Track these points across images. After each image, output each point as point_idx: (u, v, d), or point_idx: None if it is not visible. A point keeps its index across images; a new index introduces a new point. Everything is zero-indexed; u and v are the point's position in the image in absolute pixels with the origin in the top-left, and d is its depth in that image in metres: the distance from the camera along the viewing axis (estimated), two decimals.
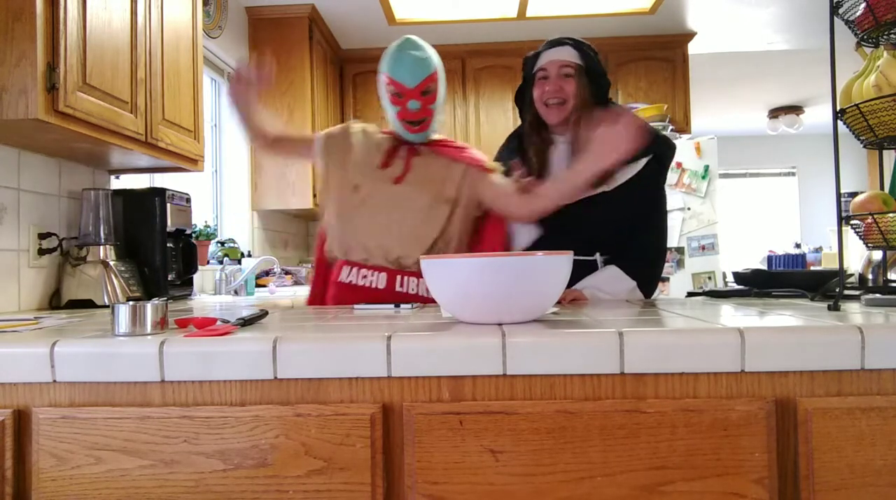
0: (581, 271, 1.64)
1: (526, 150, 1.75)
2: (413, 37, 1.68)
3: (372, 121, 4.78)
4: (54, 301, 1.88)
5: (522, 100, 1.78)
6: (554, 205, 1.57)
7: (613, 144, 1.39)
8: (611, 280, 1.62)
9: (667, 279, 3.99)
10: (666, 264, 1.81)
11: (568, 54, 1.66)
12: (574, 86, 1.65)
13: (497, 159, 1.81)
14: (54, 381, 0.93)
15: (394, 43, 1.67)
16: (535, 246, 1.68)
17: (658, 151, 1.66)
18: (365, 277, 1.66)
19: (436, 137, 1.77)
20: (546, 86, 1.66)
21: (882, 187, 1.35)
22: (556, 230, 1.66)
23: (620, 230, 1.66)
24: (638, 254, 1.66)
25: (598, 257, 1.67)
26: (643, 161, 1.64)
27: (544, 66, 1.68)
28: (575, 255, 1.63)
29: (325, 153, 1.76)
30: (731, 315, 1.10)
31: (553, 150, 1.73)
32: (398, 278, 1.65)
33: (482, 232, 1.75)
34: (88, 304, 1.84)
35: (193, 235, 2.48)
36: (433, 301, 1.55)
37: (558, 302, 1.50)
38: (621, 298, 1.62)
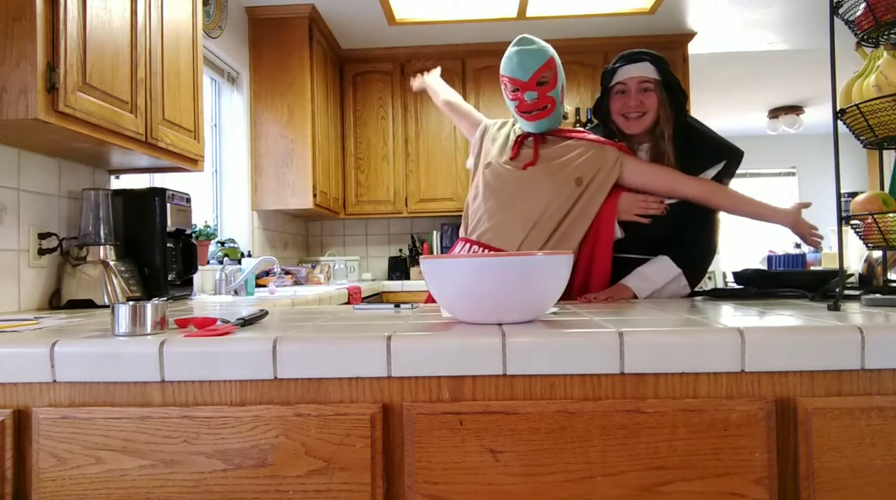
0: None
1: None
2: (526, 35, 1.75)
3: (371, 120, 4.77)
4: (54, 301, 1.88)
5: (599, 110, 1.83)
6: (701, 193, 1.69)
7: (807, 233, 1.72)
8: (656, 269, 1.67)
9: None
10: None
11: (647, 70, 1.71)
12: (654, 99, 1.70)
13: None
14: (54, 381, 0.93)
15: None
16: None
17: (729, 160, 1.73)
18: (474, 252, 1.71)
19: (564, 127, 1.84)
20: (625, 100, 1.71)
21: (882, 187, 1.35)
22: (631, 231, 1.72)
23: (685, 231, 1.71)
24: (689, 245, 1.71)
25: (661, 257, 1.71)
26: (714, 171, 1.72)
27: (623, 81, 1.72)
28: (640, 254, 1.70)
29: (481, 140, 1.90)
30: (731, 315, 1.10)
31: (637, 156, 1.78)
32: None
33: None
34: (88, 304, 1.84)
35: (193, 235, 2.48)
36: None
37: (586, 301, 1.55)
38: (666, 284, 1.67)
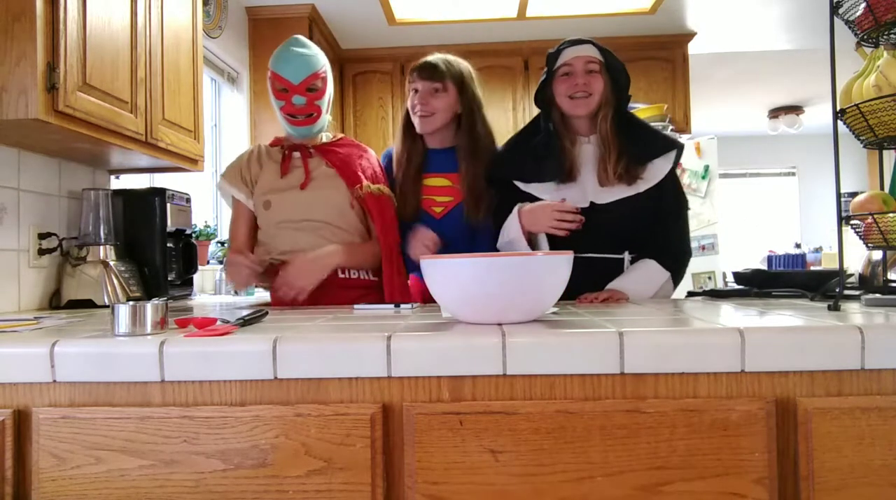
0: (607, 268, 1.67)
1: (555, 148, 1.73)
2: (300, 36, 1.75)
3: (371, 120, 4.76)
4: (54, 301, 1.88)
5: (543, 97, 1.76)
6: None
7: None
8: (648, 274, 1.64)
9: None
10: None
11: (591, 51, 1.68)
12: (600, 81, 1.67)
13: (501, 164, 1.80)
14: (54, 381, 0.93)
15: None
16: (560, 246, 1.67)
17: (678, 152, 1.71)
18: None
19: (327, 136, 1.85)
20: (572, 80, 1.68)
21: (882, 187, 1.35)
22: (583, 230, 1.67)
23: (648, 229, 1.68)
24: (672, 248, 1.69)
25: (626, 255, 1.68)
26: (668, 167, 1.69)
27: (569, 62, 1.68)
28: (601, 253, 1.67)
29: (233, 186, 1.80)
30: (731, 315, 1.10)
31: (579, 150, 1.73)
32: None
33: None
34: (88, 304, 1.84)
35: (193, 235, 2.48)
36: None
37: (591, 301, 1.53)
38: (656, 290, 1.65)
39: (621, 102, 1.72)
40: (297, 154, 1.78)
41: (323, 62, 1.74)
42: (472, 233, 1.81)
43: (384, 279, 1.74)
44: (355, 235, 1.76)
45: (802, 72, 5.42)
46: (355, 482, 0.89)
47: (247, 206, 1.79)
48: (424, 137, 1.84)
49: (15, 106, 1.42)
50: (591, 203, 1.67)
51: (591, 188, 1.69)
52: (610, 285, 1.62)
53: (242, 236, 1.80)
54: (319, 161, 1.78)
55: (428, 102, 1.77)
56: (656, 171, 1.68)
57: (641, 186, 1.66)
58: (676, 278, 1.69)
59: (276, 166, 1.77)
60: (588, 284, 1.59)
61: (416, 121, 1.80)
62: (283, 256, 1.71)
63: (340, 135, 1.89)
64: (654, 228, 1.68)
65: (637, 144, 1.68)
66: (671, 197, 1.71)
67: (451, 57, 1.86)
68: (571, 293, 1.54)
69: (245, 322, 1.08)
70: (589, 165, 1.71)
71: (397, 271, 1.75)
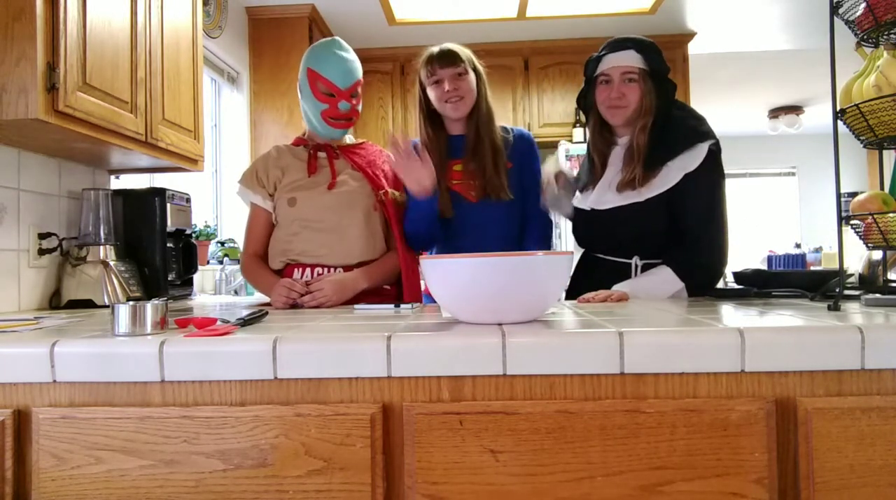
0: (615, 271, 1.67)
1: (589, 148, 1.80)
2: (341, 40, 1.77)
3: (371, 120, 4.74)
4: (54, 301, 1.88)
5: (585, 100, 1.78)
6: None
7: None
8: (658, 282, 1.59)
9: None
10: None
11: (631, 59, 1.64)
12: (638, 91, 1.64)
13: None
14: (54, 381, 0.93)
15: (321, 41, 1.76)
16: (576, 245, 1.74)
17: (712, 152, 1.61)
18: (320, 274, 1.71)
19: (350, 138, 1.88)
20: (609, 91, 1.66)
21: (882, 187, 1.35)
22: (592, 231, 1.71)
23: (663, 234, 1.64)
24: (694, 261, 1.60)
25: (635, 260, 1.66)
26: (687, 169, 1.60)
27: (607, 72, 1.66)
28: (608, 255, 1.68)
29: (250, 189, 1.81)
30: (731, 315, 1.10)
31: (612, 151, 1.74)
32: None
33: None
34: (88, 304, 1.84)
35: (193, 235, 2.48)
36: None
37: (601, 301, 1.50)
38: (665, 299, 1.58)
39: (665, 107, 1.66)
40: (322, 154, 1.78)
41: (361, 68, 1.78)
42: (511, 214, 1.85)
43: (403, 286, 1.75)
44: (374, 238, 1.76)
45: (802, 72, 5.42)
46: (355, 482, 0.89)
47: (264, 208, 1.80)
48: (446, 125, 1.89)
49: (15, 106, 1.42)
50: (592, 208, 1.70)
51: (597, 191, 1.71)
52: (616, 287, 1.59)
53: (259, 240, 1.82)
54: (345, 163, 1.79)
55: (458, 86, 1.80)
56: (671, 174, 1.60)
57: (644, 193, 1.61)
58: (703, 288, 1.59)
59: (301, 165, 1.77)
60: (597, 285, 1.59)
61: (448, 108, 1.82)
62: (300, 256, 1.72)
63: (362, 139, 1.92)
64: (680, 234, 1.62)
65: (655, 147, 1.63)
66: (693, 201, 1.60)
67: (453, 44, 1.88)
68: (580, 292, 1.55)
69: (245, 322, 1.08)
70: (613, 167, 1.72)
71: (415, 277, 1.76)
